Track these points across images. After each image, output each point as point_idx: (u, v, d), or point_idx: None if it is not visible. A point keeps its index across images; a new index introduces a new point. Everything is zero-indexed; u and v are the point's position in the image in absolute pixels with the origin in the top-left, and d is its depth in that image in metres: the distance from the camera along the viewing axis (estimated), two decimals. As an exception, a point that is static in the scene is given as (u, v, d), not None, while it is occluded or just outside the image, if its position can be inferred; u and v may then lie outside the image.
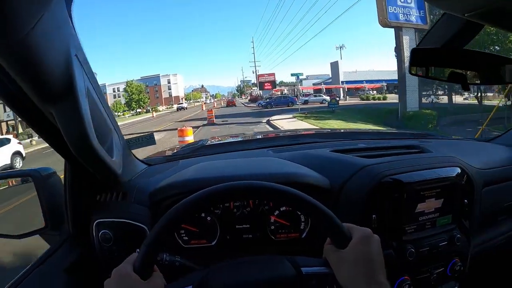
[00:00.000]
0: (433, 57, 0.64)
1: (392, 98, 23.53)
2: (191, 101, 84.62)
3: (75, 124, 0.50)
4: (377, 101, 25.94)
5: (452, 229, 0.77)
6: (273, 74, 50.71)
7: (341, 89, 36.02)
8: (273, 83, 49.41)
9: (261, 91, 47.01)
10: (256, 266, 0.51)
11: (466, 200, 0.79)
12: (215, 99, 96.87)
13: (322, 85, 38.87)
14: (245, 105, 36.92)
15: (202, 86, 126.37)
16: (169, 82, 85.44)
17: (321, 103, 26.37)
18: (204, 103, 44.09)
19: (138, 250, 0.47)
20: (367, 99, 29.18)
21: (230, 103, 40.35)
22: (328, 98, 26.36)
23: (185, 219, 0.50)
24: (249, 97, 51.99)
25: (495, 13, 0.49)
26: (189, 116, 22.92)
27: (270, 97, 34.56)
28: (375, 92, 34.36)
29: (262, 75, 50.88)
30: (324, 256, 0.46)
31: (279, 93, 41.98)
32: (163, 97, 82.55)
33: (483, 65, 0.64)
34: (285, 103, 26.34)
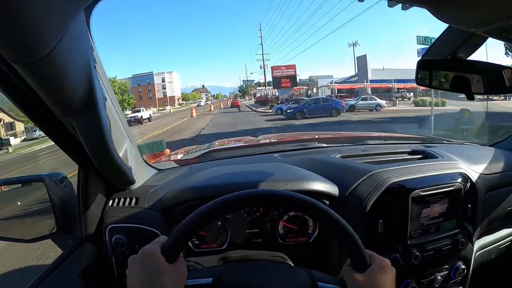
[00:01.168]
0: (439, 68, 0.66)
1: (453, 104, 14.52)
2: (189, 102, 73.95)
3: (95, 134, 0.51)
4: (448, 108, 14.43)
5: (456, 234, 0.79)
6: (294, 66, 33.86)
7: (369, 89, 25.06)
8: (293, 79, 33.74)
9: (275, 90, 32.45)
10: (272, 272, 0.52)
11: (469, 205, 0.81)
12: (215, 100, 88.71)
13: (365, 85, 25.55)
14: (254, 110, 24.28)
15: (203, 86, 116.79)
16: (163, 81, 73.75)
17: (374, 110, 16.84)
18: (194, 108, 26.51)
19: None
20: (423, 104, 17.83)
21: (234, 104, 32.38)
22: (383, 102, 17.44)
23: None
24: (254, 98, 37.84)
25: (500, 29, 0.51)
26: (154, 135, 12.60)
27: (292, 99, 21.88)
28: (411, 94, 24.25)
29: (278, 67, 34.20)
30: (341, 276, 0.48)
31: (302, 91, 29.19)
32: (156, 97, 71.66)
33: (488, 75, 0.66)
34: (326, 109, 15.35)
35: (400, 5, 0.53)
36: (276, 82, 33.46)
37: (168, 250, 0.42)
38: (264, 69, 37.95)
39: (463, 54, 0.66)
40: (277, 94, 30.24)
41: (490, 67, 0.68)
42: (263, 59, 38.04)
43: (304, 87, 32.51)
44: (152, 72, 76.02)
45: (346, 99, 19.87)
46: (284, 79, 33.11)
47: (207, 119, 18.18)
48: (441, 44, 0.66)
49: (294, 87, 31.30)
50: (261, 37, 38.60)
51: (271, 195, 0.46)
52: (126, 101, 42.21)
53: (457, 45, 0.64)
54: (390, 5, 0.55)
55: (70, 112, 0.50)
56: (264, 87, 38.18)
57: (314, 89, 31.75)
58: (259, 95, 35.06)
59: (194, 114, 21.23)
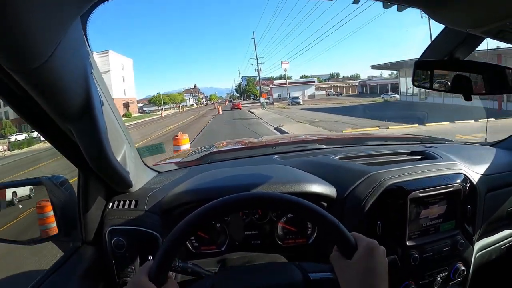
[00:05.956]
0: (436, 68, 0.65)
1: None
2: (163, 107, 48.70)
3: (93, 140, 0.52)
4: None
5: (456, 235, 0.78)
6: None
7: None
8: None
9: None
10: (265, 272, 0.52)
11: (469, 206, 0.80)
12: (210, 102, 74.07)
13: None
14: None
15: (195, 86, 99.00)
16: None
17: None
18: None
19: (150, 257, 0.49)
20: None
21: (235, 107, 30.53)
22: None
23: (200, 228, 0.51)
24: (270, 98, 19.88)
25: (497, 29, 0.50)
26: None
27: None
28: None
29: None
30: (331, 262, 0.47)
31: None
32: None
33: (490, 75, 0.66)
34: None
35: (395, 6, 0.53)
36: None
37: (155, 274, 0.43)
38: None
39: (461, 55, 0.66)
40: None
41: (492, 68, 0.67)
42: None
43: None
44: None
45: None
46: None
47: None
48: (438, 45, 0.66)
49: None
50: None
51: (257, 197, 0.47)
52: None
53: (454, 46, 0.64)
54: (385, 7, 0.55)
55: (68, 118, 0.51)
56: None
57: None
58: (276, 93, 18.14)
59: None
